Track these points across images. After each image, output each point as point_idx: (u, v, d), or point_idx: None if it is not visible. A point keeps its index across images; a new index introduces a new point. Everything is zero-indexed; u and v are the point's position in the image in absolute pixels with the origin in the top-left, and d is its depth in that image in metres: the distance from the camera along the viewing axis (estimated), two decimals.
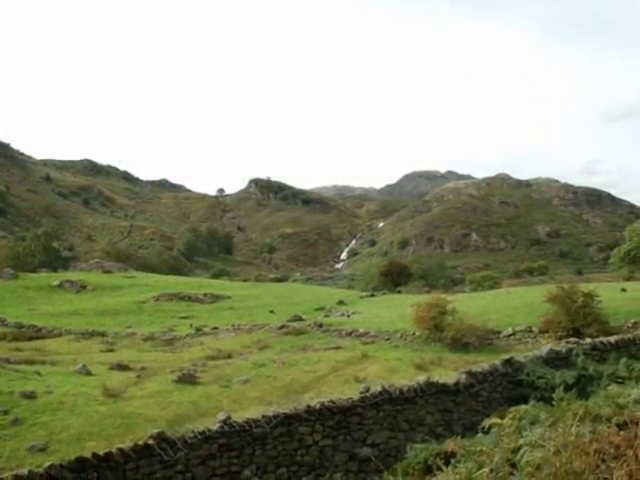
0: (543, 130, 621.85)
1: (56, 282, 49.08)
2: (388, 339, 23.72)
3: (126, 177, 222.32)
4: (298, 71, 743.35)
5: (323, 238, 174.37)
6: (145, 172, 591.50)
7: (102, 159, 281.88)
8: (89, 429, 11.46)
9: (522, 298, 29.77)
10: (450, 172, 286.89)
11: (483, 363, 14.19)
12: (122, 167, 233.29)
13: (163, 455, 9.40)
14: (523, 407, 7.35)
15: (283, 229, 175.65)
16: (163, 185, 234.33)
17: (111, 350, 24.23)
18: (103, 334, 29.30)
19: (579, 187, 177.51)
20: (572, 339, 16.20)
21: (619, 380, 11.71)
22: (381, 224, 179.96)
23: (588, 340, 15.57)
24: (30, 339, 27.80)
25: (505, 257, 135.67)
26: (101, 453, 8.94)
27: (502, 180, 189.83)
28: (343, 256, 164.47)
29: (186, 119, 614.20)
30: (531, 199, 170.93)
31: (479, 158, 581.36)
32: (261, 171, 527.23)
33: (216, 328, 30.10)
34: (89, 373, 17.16)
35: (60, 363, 19.55)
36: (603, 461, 4.58)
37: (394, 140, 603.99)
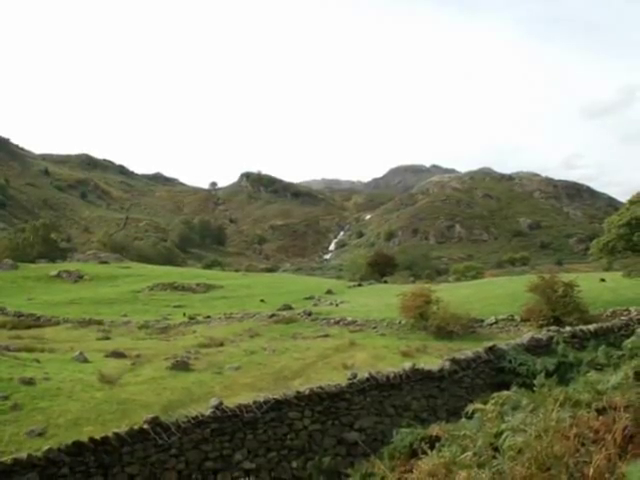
0: (525, 126, 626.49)
1: (54, 272, 49.05)
2: (375, 327, 24.11)
3: (122, 171, 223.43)
4: (289, 68, 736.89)
5: (312, 230, 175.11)
6: (140, 166, 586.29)
7: (99, 153, 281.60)
8: (86, 414, 11.60)
9: (504, 288, 30.35)
10: (435, 166, 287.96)
11: (467, 350, 14.55)
12: (118, 161, 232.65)
13: (157, 439, 9.62)
14: (505, 393, 7.62)
15: (273, 221, 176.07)
16: (157, 179, 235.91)
17: (107, 338, 24.33)
18: (99, 322, 29.37)
19: (559, 181, 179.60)
20: (553, 327, 16.67)
21: (598, 367, 12.11)
22: (368, 216, 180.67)
23: (568, 328, 16.03)
24: (29, 327, 27.85)
25: (488, 248, 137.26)
26: (98, 437, 9.11)
27: (485, 174, 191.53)
28: (331, 247, 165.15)
29: (180, 115, 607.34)
30: (513, 192, 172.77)
31: (463, 153, 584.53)
32: (252, 165, 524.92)
33: (209, 317, 30.29)
34: (86, 360, 17.28)
35: (58, 350, 19.63)
36: (583, 445, 4.78)
37: (381, 135, 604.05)
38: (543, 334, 15.51)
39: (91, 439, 9.06)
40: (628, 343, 12.92)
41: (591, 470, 4.36)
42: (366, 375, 12.28)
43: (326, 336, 22.47)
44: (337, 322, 25.65)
